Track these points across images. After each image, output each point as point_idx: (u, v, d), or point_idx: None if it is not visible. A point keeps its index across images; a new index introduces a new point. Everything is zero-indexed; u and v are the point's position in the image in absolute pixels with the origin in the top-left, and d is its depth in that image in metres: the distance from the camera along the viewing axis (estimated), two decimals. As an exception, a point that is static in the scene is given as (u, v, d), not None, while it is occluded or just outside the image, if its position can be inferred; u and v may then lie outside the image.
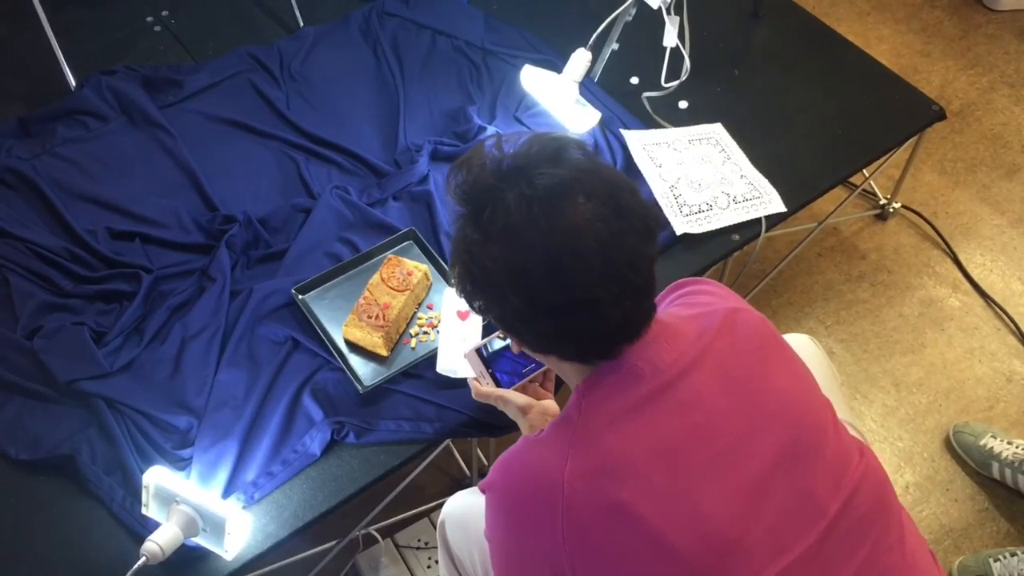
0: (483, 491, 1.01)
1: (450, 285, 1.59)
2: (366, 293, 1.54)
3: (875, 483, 0.98)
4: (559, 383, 1.39)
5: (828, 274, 2.22)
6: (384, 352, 1.50)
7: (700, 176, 1.78)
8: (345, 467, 1.40)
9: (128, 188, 1.75)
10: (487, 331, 1.52)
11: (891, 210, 2.30)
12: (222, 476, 1.35)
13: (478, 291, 0.94)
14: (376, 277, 1.56)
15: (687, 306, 1.04)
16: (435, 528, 1.67)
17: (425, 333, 1.56)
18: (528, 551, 0.93)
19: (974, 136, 2.55)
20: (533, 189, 0.87)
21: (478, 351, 1.30)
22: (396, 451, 1.43)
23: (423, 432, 1.44)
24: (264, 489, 1.36)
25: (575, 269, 0.86)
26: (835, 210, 2.09)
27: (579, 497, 0.88)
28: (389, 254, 1.64)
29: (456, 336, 1.50)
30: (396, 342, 1.54)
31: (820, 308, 2.15)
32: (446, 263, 1.62)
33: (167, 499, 1.24)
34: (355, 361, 1.51)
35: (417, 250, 1.66)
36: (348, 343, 1.53)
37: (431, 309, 1.59)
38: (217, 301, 1.55)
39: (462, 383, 1.46)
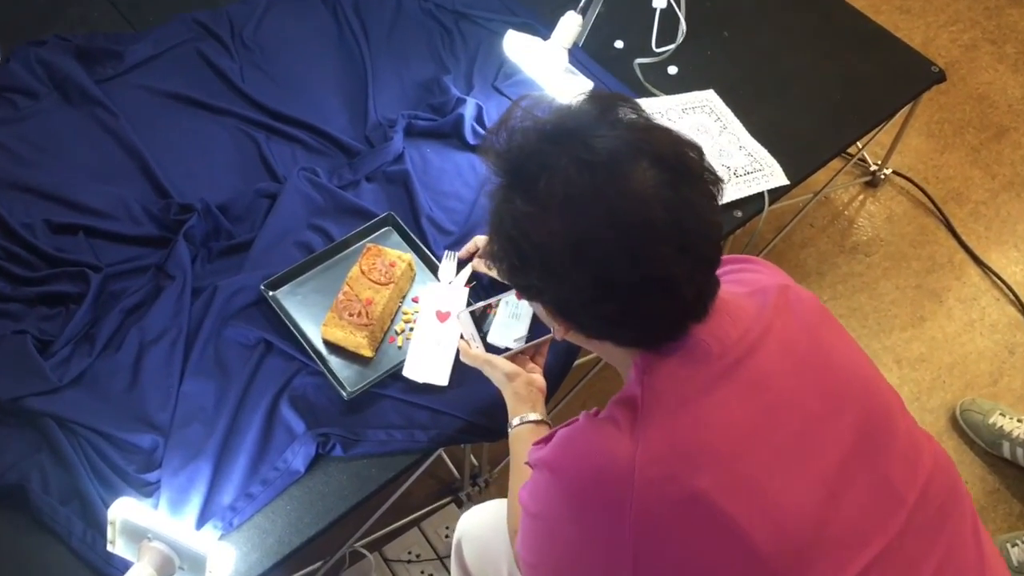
0: (534, 466, 0.93)
1: (437, 277, 1.47)
2: (345, 288, 1.42)
3: (946, 468, 0.93)
4: (553, 362, 1.34)
5: (821, 246, 2.15)
6: (368, 353, 1.39)
7: (698, 148, 1.68)
8: (333, 484, 1.29)
9: (66, 174, 1.59)
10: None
11: (882, 177, 2.25)
12: (195, 501, 1.23)
13: (530, 270, 0.85)
14: (355, 269, 1.44)
15: (737, 283, 0.97)
16: (426, 538, 1.57)
17: (412, 329, 1.44)
18: (585, 539, 0.86)
19: (960, 97, 2.50)
20: (593, 154, 0.79)
21: (472, 312, 1.26)
22: (388, 463, 1.32)
23: (416, 441, 1.33)
24: (244, 513, 1.24)
25: (649, 242, 0.79)
26: (832, 180, 2.02)
27: (652, 485, 0.81)
28: (367, 242, 1.51)
29: (432, 339, 1.39)
30: (381, 341, 1.42)
31: (815, 283, 2.09)
32: (430, 250, 1.51)
33: (137, 535, 1.11)
34: (336, 364, 1.39)
35: (397, 237, 1.54)
36: (327, 344, 1.41)
37: (416, 303, 1.48)
38: (177, 301, 1.41)
39: (457, 383, 1.36)
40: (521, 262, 0.84)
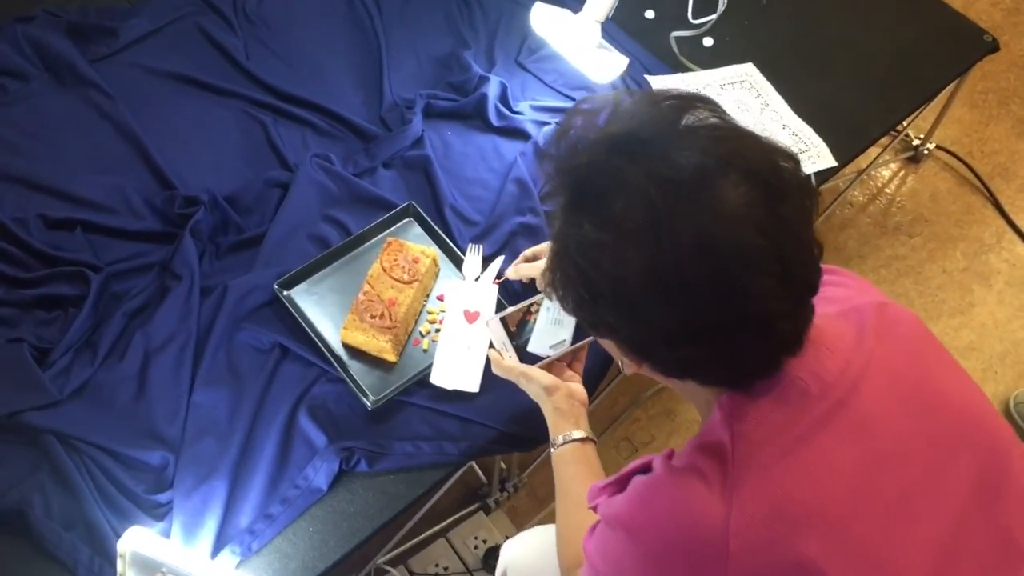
0: (605, 521, 0.83)
1: (462, 272, 1.37)
2: (366, 287, 1.32)
3: None
4: (592, 364, 1.25)
5: (861, 227, 2.05)
6: (392, 357, 1.30)
7: (739, 128, 1.57)
8: (358, 502, 1.21)
9: (61, 164, 1.48)
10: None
11: (925, 152, 2.14)
12: (211, 524, 1.15)
13: (601, 306, 0.75)
14: (376, 267, 1.34)
15: (825, 301, 0.86)
16: (454, 550, 1.49)
17: (438, 331, 1.35)
18: None
19: (1003, 64, 2.38)
20: (674, 169, 0.69)
21: (503, 319, 1.16)
22: (416, 478, 1.24)
23: (446, 454, 1.24)
24: (263, 537, 1.16)
25: (745, 273, 0.69)
26: (876, 158, 1.91)
27: (749, 553, 0.72)
28: (387, 235, 1.41)
29: (460, 342, 1.29)
30: (405, 344, 1.33)
31: (857, 267, 1.99)
32: (455, 243, 1.41)
33: (149, 568, 1.03)
34: (358, 369, 1.30)
35: (418, 228, 1.44)
36: (347, 347, 1.31)
37: (441, 301, 1.38)
38: (185, 303, 1.32)
39: (488, 388, 1.27)
40: (591, 296, 0.74)
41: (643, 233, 0.69)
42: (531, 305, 1.16)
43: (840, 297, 0.87)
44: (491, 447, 1.27)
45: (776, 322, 0.71)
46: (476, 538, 1.54)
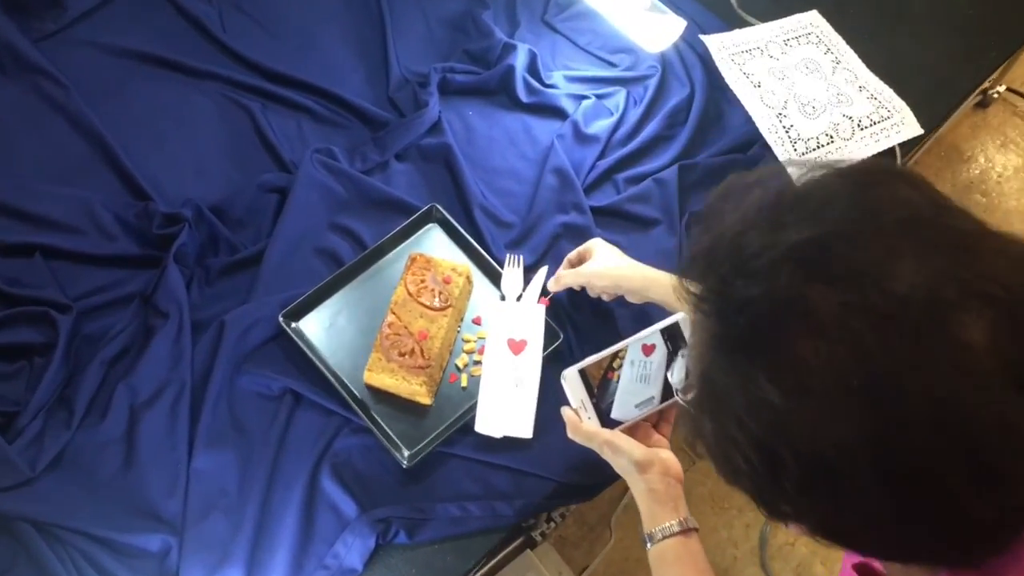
0: None
1: (499, 288, 1.18)
2: (390, 317, 1.13)
3: None
4: None
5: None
6: (427, 400, 1.11)
7: (810, 93, 1.37)
8: (400, 583, 1.04)
9: (7, 173, 1.27)
10: (556, 367, 1.14)
11: (994, 96, 1.93)
12: (228, 625, 0.97)
13: (784, 483, 0.55)
14: (400, 291, 1.15)
15: None
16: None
17: (477, 363, 1.16)
18: None
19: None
20: (895, 301, 0.50)
21: (582, 372, 0.97)
22: (466, 547, 1.08)
23: (500, 515, 1.08)
24: (291, 635, 0.99)
25: (998, 443, 0.50)
26: (956, 112, 1.70)
27: None
28: (408, 246, 1.22)
29: (507, 379, 1.11)
30: (440, 382, 1.14)
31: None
32: (489, 252, 1.21)
33: None
34: (386, 415, 1.12)
35: (443, 236, 1.24)
36: (371, 388, 1.12)
37: (479, 325, 1.19)
38: (174, 345, 1.12)
39: (540, 430, 1.09)
40: (766, 468, 0.55)
41: (852, 398, 0.50)
42: (617, 361, 0.96)
43: None
44: (548, 503, 1.10)
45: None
46: (525, 582, 1.39)
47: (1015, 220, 1.83)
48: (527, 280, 1.20)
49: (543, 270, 1.20)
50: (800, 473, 0.53)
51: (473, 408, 1.11)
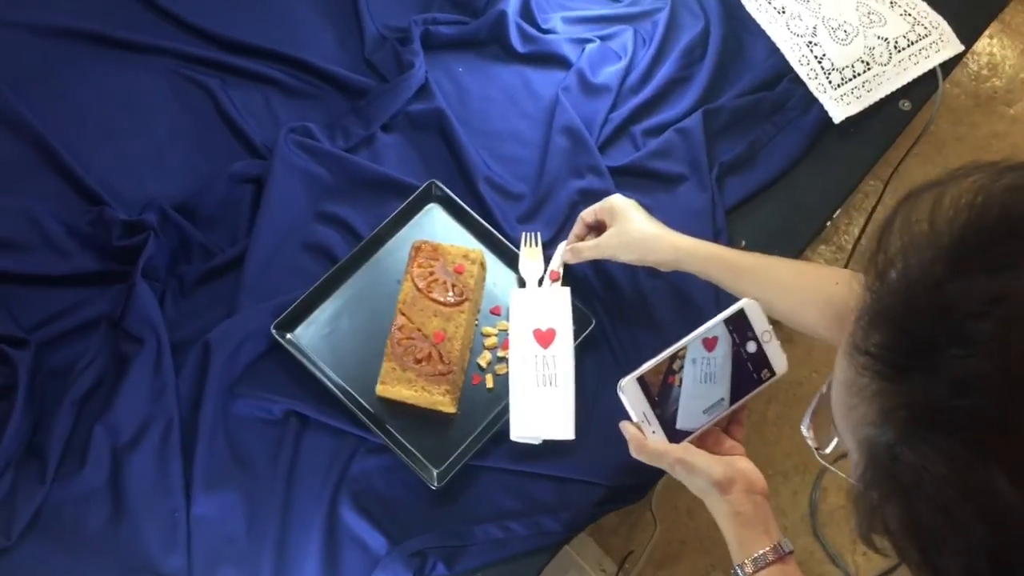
0: None
1: (518, 272, 1.06)
2: (400, 319, 1.00)
3: None
4: None
5: (950, 102, 1.74)
6: (451, 409, 0.99)
7: (840, 16, 1.23)
8: (443, 622, 0.93)
9: (-63, 186, 1.10)
10: (593, 358, 1.02)
11: (1012, -2, 1.80)
12: None
13: None
14: (407, 287, 1.01)
15: None
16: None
17: (501, 359, 1.04)
18: None
19: None
20: None
21: (640, 380, 0.82)
22: (512, 571, 0.96)
23: (546, 532, 0.97)
24: None
25: None
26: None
27: None
28: (409, 231, 1.08)
29: (539, 376, 0.99)
30: (463, 386, 1.02)
31: (954, 151, 1.70)
32: (501, 230, 1.08)
33: None
34: (406, 429, 1.00)
35: (446, 216, 1.10)
36: (385, 400, 1.00)
37: (498, 315, 1.06)
38: (154, 375, 0.99)
39: (581, 430, 0.97)
40: None
41: None
42: (677, 362, 0.83)
43: None
44: (599, 511, 0.99)
45: None
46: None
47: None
48: (546, 259, 1.07)
49: (562, 245, 1.07)
50: None
51: (503, 412, 0.99)
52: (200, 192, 1.10)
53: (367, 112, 1.15)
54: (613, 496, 1.00)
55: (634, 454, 0.82)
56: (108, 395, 0.98)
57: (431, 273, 1.02)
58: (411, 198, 1.09)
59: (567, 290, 1.04)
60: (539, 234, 1.08)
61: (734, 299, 0.85)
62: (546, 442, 0.98)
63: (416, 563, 0.93)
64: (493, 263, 1.08)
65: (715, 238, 1.10)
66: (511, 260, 1.08)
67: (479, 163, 1.13)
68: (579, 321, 1.03)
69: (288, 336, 1.02)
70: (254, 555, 0.93)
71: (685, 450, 0.80)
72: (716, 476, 0.78)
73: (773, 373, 0.85)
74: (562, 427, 0.98)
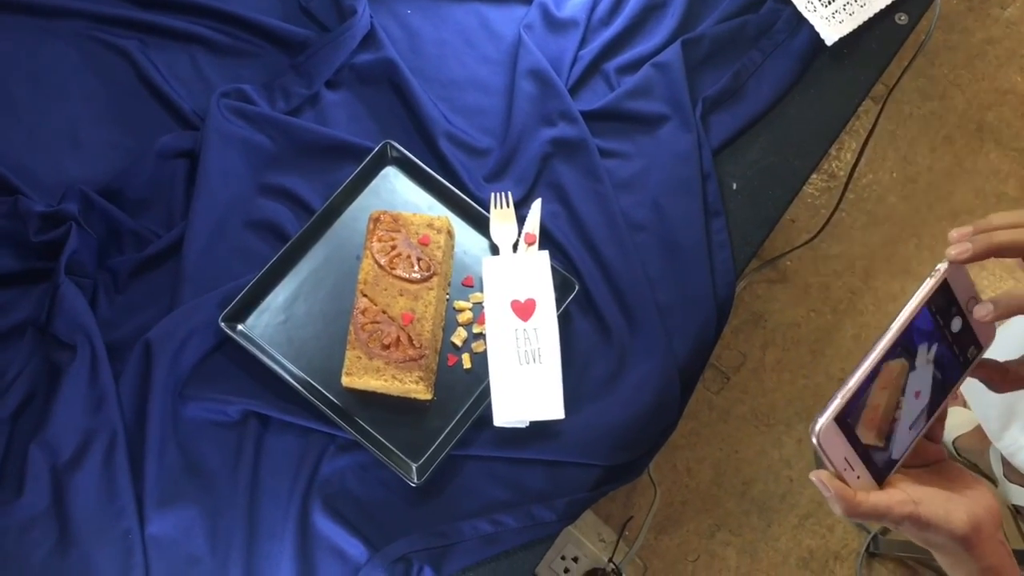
0: None
1: (489, 238, 0.97)
2: (362, 302, 0.91)
3: None
4: None
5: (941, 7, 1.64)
6: (426, 396, 0.91)
7: (826, -76, 1.13)
8: (436, 631, 0.87)
9: None
10: (579, 327, 0.95)
11: None
12: None
13: None
14: (367, 264, 0.93)
15: None
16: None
17: (478, 336, 0.96)
18: None
19: None
20: None
21: (839, 419, 0.61)
22: (506, 569, 0.90)
23: (540, 523, 0.92)
24: None
25: None
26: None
27: None
28: (364, 199, 0.99)
29: (520, 352, 0.92)
30: (438, 369, 0.94)
31: (948, 62, 1.62)
32: (467, 191, 1.00)
33: None
34: (377, 422, 0.92)
35: (406, 179, 1.02)
36: (353, 391, 0.92)
37: (470, 287, 0.98)
38: (90, 385, 0.91)
39: (571, 407, 0.91)
40: None
41: None
42: (899, 381, 0.63)
43: None
44: (595, 495, 0.93)
45: None
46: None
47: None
48: (520, 221, 0.99)
49: (537, 203, 0.99)
50: None
51: (484, 394, 0.92)
52: (126, 172, 1.00)
53: (308, 68, 1.05)
54: (610, 476, 0.94)
55: (841, 513, 0.63)
56: (41, 410, 0.90)
57: (393, 247, 0.94)
58: (365, 162, 1.00)
59: (545, 254, 0.96)
60: (510, 193, 0.99)
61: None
62: (533, 424, 0.92)
63: (400, 569, 0.87)
64: (461, 229, 1.00)
65: (703, 183, 1.02)
66: (481, 225, 0.99)
67: (438, 117, 1.04)
68: (561, 287, 0.96)
69: (239, 327, 0.94)
70: (220, 574, 0.86)
71: (915, 501, 0.62)
72: (961, 532, 0.61)
73: (980, 348, 0.66)
74: (550, 406, 0.91)
